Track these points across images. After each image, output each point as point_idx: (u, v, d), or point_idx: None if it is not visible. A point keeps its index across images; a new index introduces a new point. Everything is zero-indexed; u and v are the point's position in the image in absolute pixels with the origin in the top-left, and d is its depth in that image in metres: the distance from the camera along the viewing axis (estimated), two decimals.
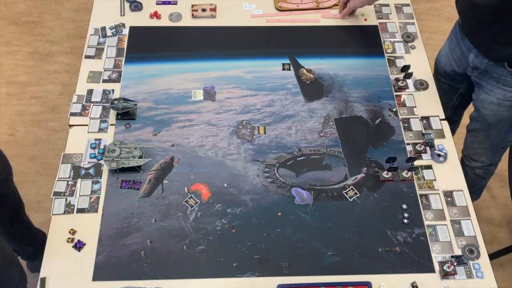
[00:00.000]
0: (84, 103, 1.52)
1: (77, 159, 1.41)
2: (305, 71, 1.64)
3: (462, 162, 1.75)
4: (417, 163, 1.40)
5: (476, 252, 1.28)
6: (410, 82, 1.61)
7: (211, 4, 1.77)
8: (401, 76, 1.60)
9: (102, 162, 1.40)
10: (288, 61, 1.66)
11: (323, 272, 1.24)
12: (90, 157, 1.41)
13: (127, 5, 1.77)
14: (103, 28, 1.70)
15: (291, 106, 1.56)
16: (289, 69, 1.65)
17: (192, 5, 1.77)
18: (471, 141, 1.73)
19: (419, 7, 2.92)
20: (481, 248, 1.29)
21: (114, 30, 1.70)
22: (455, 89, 1.76)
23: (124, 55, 1.63)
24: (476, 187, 1.88)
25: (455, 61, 1.62)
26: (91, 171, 1.39)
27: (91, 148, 1.43)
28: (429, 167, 1.43)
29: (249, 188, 1.38)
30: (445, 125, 1.53)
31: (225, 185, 1.38)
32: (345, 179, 1.41)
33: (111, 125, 1.48)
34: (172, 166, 1.42)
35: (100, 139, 1.45)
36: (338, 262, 1.26)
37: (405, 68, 1.55)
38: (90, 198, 1.34)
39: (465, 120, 1.82)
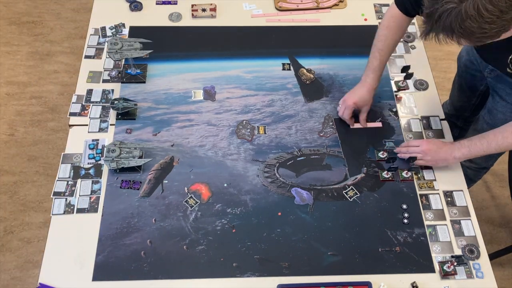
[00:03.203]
0: (83, 103, 1.52)
1: (77, 159, 1.41)
2: (305, 71, 1.64)
3: None
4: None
5: (476, 252, 1.28)
6: (410, 82, 1.60)
7: (211, 4, 1.77)
8: (401, 76, 1.60)
9: (102, 162, 1.40)
10: (288, 61, 1.66)
11: (323, 272, 1.24)
12: (89, 158, 1.41)
13: (127, 5, 1.77)
14: (103, 28, 1.70)
15: (291, 106, 1.56)
16: (289, 69, 1.65)
17: (192, 5, 1.77)
18: None
19: None
20: (481, 248, 1.29)
21: (114, 30, 1.70)
22: (474, 88, 1.70)
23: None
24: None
25: (475, 58, 1.56)
26: (91, 171, 1.39)
27: (90, 148, 1.43)
28: (429, 167, 1.43)
29: (249, 188, 1.38)
30: (445, 125, 1.53)
31: (225, 185, 1.38)
32: (345, 179, 1.41)
33: (111, 125, 1.48)
34: (172, 166, 1.41)
35: (98, 140, 1.45)
36: (338, 262, 1.26)
37: (405, 68, 1.53)
38: (90, 198, 1.34)
39: None
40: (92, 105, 1.52)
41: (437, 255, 1.28)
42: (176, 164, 1.42)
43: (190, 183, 1.38)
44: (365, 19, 1.78)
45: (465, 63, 1.65)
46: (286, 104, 1.57)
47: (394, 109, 1.56)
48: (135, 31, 1.69)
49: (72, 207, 1.32)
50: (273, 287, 1.22)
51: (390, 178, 1.40)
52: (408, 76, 1.54)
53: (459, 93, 1.79)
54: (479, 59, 1.51)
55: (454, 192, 1.39)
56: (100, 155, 1.41)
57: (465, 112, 1.49)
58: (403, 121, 1.53)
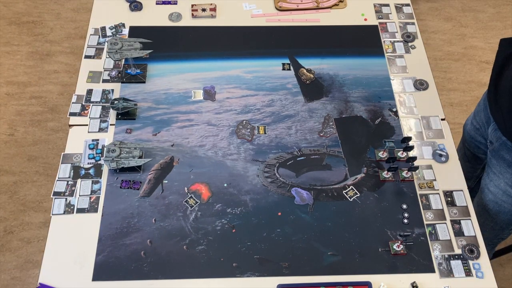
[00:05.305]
0: (83, 103, 1.52)
1: (77, 159, 1.41)
2: (305, 71, 1.64)
3: None
4: (417, 163, 1.40)
5: (476, 252, 1.28)
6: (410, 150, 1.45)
7: (211, 4, 1.77)
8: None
9: (102, 162, 1.40)
10: (288, 61, 1.66)
11: (323, 272, 1.24)
12: (89, 158, 1.41)
13: (127, 5, 1.77)
14: (103, 28, 1.70)
15: (291, 106, 1.56)
16: (289, 69, 1.65)
17: (192, 5, 1.77)
18: None
19: (419, 7, 2.92)
20: (481, 248, 1.29)
21: (114, 30, 1.70)
22: (478, 159, 1.63)
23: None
24: None
25: (479, 127, 1.51)
26: (91, 171, 1.39)
27: (90, 148, 1.43)
28: (429, 167, 1.43)
29: (249, 188, 1.38)
30: (445, 125, 1.53)
31: (225, 185, 1.38)
32: (345, 179, 1.41)
33: (111, 125, 1.49)
34: (172, 166, 1.41)
35: (98, 140, 1.45)
36: (338, 262, 1.26)
37: (406, 139, 1.40)
38: (90, 198, 1.34)
39: None
40: (92, 105, 1.52)
41: (437, 255, 1.28)
42: (176, 164, 1.42)
43: (190, 183, 1.38)
44: (365, 19, 1.78)
45: (469, 132, 1.60)
46: (286, 104, 1.57)
47: (394, 109, 1.56)
48: (135, 31, 1.69)
49: (72, 207, 1.32)
50: (273, 287, 1.22)
51: (390, 178, 1.41)
52: (408, 148, 1.41)
53: (462, 162, 1.67)
54: (484, 127, 1.45)
55: (454, 192, 1.39)
56: (100, 155, 1.42)
57: (469, 181, 1.44)
58: (403, 121, 1.53)
